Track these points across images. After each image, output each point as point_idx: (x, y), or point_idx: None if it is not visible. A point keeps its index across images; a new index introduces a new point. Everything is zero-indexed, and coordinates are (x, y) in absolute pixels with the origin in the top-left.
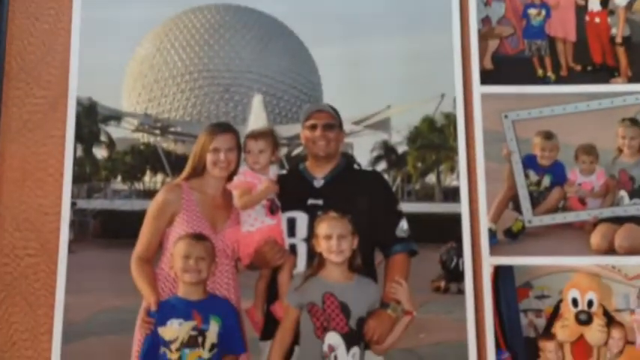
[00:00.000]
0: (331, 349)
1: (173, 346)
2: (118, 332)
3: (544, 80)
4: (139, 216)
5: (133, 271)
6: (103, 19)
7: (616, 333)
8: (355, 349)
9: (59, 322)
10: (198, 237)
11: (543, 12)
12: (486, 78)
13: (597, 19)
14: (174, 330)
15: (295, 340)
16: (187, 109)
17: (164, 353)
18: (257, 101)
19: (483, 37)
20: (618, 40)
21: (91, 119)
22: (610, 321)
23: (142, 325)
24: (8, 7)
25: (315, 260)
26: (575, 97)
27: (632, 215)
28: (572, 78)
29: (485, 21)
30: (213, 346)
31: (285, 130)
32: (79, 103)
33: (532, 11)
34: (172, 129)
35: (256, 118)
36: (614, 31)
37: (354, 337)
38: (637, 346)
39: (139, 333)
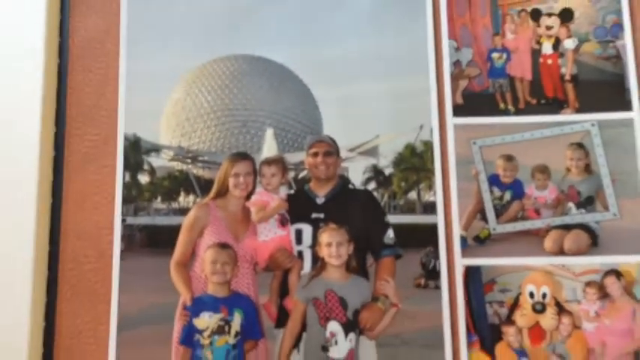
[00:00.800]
0: (332, 334)
1: (205, 334)
2: (161, 323)
3: (505, 112)
4: (175, 229)
5: (172, 274)
6: (143, 70)
7: (565, 319)
8: (352, 335)
9: (114, 315)
10: (224, 246)
11: (504, 55)
12: (458, 111)
13: (549, 61)
14: (206, 321)
15: (303, 328)
16: (212, 141)
17: (198, 339)
18: (269, 134)
19: (455, 78)
20: (567, 77)
21: (136, 151)
22: (560, 310)
23: (180, 317)
24: (68, 62)
25: (319, 263)
26: (531, 126)
27: (578, 223)
28: (529, 110)
29: (456, 64)
30: (237, 333)
31: (292, 157)
32: (126, 138)
33: (495, 55)
34: (201, 158)
35: (269, 148)
36: (563, 70)
37: (350, 326)
38: (582, 329)
39: (177, 323)
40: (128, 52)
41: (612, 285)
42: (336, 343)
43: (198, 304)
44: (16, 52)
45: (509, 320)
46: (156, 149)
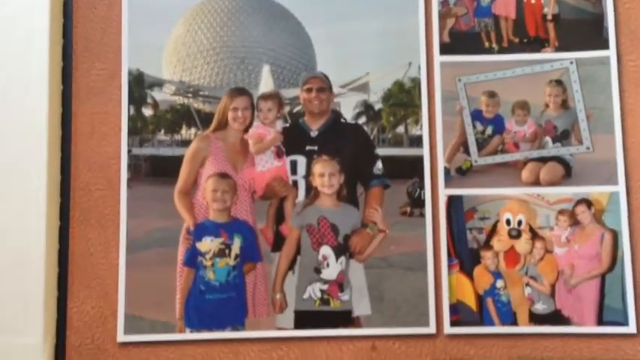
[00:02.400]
0: (324, 258)
1: (207, 256)
2: (166, 245)
3: (490, 50)
4: (178, 160)
5: (176, 201)
6: (145, 6)
7: (538, 244)
8: (342, 258)
9: (124, 238)
10: (223, 175)
11: None
12: (444, 49)
13: (533, 0)
14: (208, 244)
15: (297, 251)
16: (212, 77)
17: (201, 261)
18: (266, 70)
19: (442, 17)
20: (549, 17)
21: (140, 86)
22: (534, 235)
23: (183, 240)
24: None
25: (312, 192)
26: (513, 63)
27: (553, 156)
28: (512, 49)
29: (444, 3)
30: (237, 256)
31: (287, 93)
32: (130, 73)
33: None
34: (201, 93)
35: (265, 84)
36: (546, 10)
37: (341, 249)
38: (553, 254)
39: (182, 246)
40: None
41: (582, 213)
42: (327, 265)
43: (201, 229)
44: None
45: (487, 245)
46: (159, 84)
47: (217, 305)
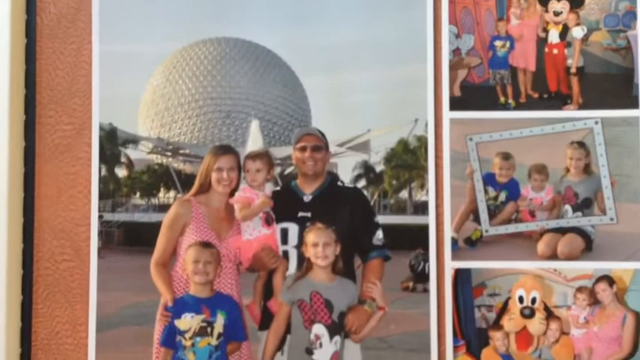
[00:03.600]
0: (317, 337)
1: (187, 335)
2: (141, 323)
3: (505, 106)
4: (155, 227)
5: (152, 274)
6: (119, 53)
7: (554, 325)
8: (337, 338)
9: (93, 315)
10: (206, 244)
11: (508, 44)
12: (455, 104)
13: (555, 50)
14: (188, 322)
15: (287, 330)
16: (194, 133)
17: (180, 341)
18: (254, 126)
19: (453, 67)
20: (573, 70)
21: (112, 143)
22: (549, 315)
23: (161, 318)
24: (36, 42)
25: (304, 264)
26: (531, 122)
27: (573, 226)
28: (530, 105)
29: (455, 52)
30: (220, 335)
31: (278, 152)
32: (101, 128)
33: (498, 43)
34: (182, 151)
35: (254, 141)
36: (569, 61)
37: (336, 328)
38: (570, 335)
39: (158, 324)
40: (101, 32)
41: (603, 291)
42: (320, 345)
43: (180, 305)
44: None
45: (497, 325)
46: (134, 140)
47: None
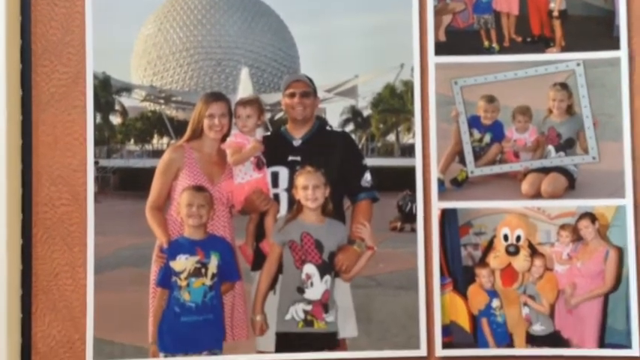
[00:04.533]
0: (308, 277)
1: (182, 276)
2: (138, 265)
3: (489, 50)
4: (150, 172)
5: (148, 217)
6: (112, 2)
7: (538, 261)
8: (327, 277)
9: (91, 257)
10: (199, 188)
11: None
12: (440, 49)
13: None
14: (183, 263)
15: (279, 270)
16: (186, 81)
17: (175, 281)
18: (244, 73)
19: (438, 13)
20: (555, 13)
21: (107, 91)
22: (533, 252)
23: (156, 259)
24: None
25: (295, 206)
26: (515, 65)
27: (556, 166)
28: (514, 48)
29: None
30: (213, 275)
31: (268, 98)
32: (95, 77)
33: None
34: (174, 98)
35: (244, 88)
36: (552, 5)
37: (326, 268)
38: (553, 271)
39: (154, 265)
40: None
41: (586, 228)
42: (311, 284)
43: (175, 247)
44: None
45: (483, 262)
46: (127, 89)
47: (193, 328)
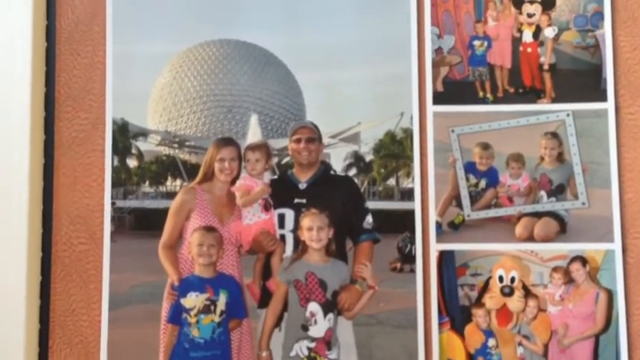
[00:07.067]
0: (312, 314)
1: (192, 312)
2: (150, 302)
3: (484, 100)
4: (163, 212)
5: (160, 256)
6: (130, 53)
7: (531, 302)
8: (330, 315)
9: (106, 294)
10: (209, 229)
11: (485, 43)
12: (438, 99)
13: (529, 49)
14: (193, 300)
15: (285, 308)
16: (199, 126)
17: (185, 318)
18: (253, 120)
19: (436, 65)
20: (545, 67)
21: (124, 136)
22: (527, 293)
23: (168, 296)
24: (55, 45)
25: (300, 247)
26: (508, 114)
27: (548, 211)
28: (507, 99)
29: (437, 51)
30: (222, 312)
31: (276, 143)
32: (114, 123)
33: (476, 42)
34: (187, 143)
35: (253, 134)
36: (542, 59)
37: (329, 306)
38: (547, 312)
39: (166, 302)
40: (115, 35)
41: (577, 271)
42: (315, 322)
43: (186, 285)
44: (3, 36)
45: (479, 302)
46: (143, 134)
47: None
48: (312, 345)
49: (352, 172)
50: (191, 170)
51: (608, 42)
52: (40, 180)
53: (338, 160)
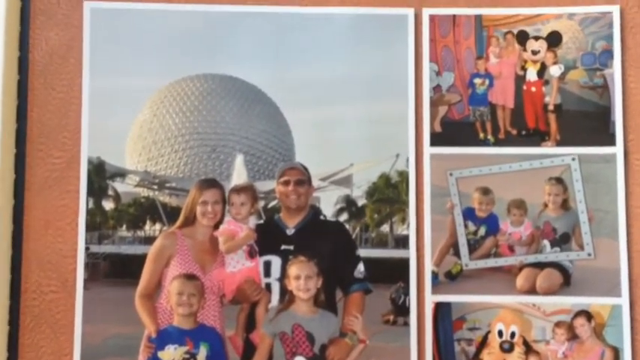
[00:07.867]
0: None
1: None
2: (125, 355)
3: (485, 142)
4: (141, 259)
5: (137, 305)
6: (108, 88)
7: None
8: None
9: (78, 346)
10: (190, 277)
11: (487, 81)
12: (435, 140)
13: (533, 88)
14: (171, 353)
15: None
16: (180, 167)
17: None
18: (239, 160)
19: (434, 104)
20: (550, 107)
21: (100, 176)
22: (528, 349)
23: (144, 349)
24: (28, 78)
25: (287, 297)
26: (510, 157)
27: (551, 261)
28: (509, 141)
29: (436, 89)
30: None
31: (262, 186)
32: (89, 162)
33: (477, 80)
34: (168, 184)
35: (238, 175)
36: (547, 99)
37: None
38: None
39: (142, 356)
40: (92, 68)
41: (582, 326)
42: None
43: (164, 337)
44: None
45: (477, 358)
46: (121, 174)
47: None
48: None
49: (343, 217)
50: (171, 213)
51: (617, 82)
52: (9, 222)
53: (328, 204)
